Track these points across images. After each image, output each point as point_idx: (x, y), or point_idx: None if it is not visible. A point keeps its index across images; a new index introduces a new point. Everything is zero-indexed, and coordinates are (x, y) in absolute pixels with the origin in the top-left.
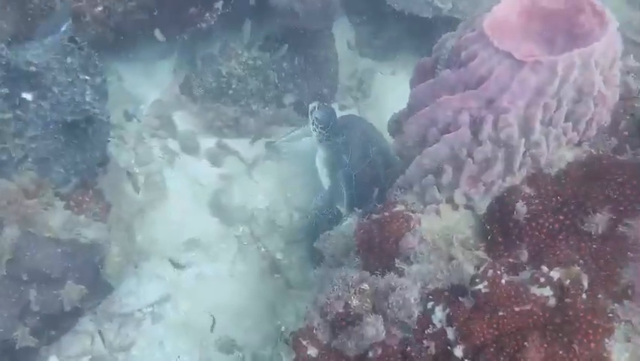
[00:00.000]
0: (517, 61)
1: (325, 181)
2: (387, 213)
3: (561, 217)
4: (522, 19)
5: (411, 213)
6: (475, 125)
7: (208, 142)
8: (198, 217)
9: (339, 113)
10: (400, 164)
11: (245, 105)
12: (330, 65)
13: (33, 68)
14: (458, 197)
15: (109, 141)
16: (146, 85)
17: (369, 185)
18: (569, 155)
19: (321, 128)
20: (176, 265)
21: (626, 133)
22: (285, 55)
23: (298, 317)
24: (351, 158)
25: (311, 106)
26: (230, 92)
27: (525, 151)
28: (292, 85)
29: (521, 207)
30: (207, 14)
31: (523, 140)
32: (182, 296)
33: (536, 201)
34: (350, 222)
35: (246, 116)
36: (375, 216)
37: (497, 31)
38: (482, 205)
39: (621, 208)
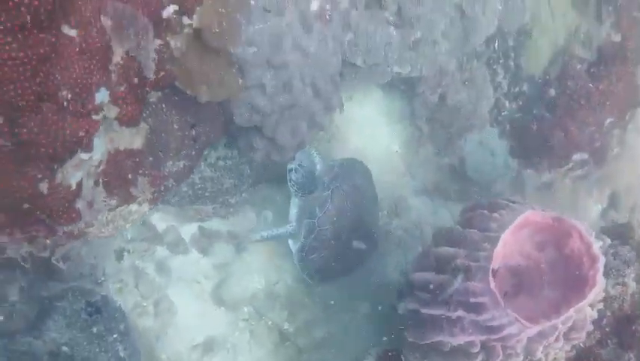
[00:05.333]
0: (526, 325)
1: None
2: None
3: None
4: (515, 232)
5: None
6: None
7: (191, 228)
8: (207, 314)
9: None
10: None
11: (223, 201)
12: None
13: (65, 349)
14: None
15: None
16: None
17: (329, 243)
18: (561, 355)
19: (297, 188)
20: None
21: (607, 329)
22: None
23: None
24: (323, 214)
25: (289, 166)
26: (207, 194)
27: None
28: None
29: None
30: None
31: None
32: None
33: None
34: None
35: (225, 207)
36: None
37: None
38: None
39: None
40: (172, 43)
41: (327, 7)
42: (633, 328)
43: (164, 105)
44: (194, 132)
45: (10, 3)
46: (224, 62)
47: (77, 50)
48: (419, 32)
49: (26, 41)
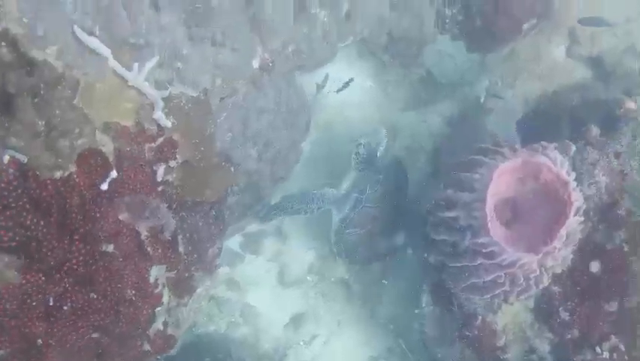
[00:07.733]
0: (531, 256)
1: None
2: (477, 332)
3: (587, 303)
4: (496, 181)
5: (488, 319)
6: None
7: (237, 239)
8: (282, 298)
9: None
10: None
11: (251, 213)
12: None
13: None
14: (511, 300)
15: None
16: None
17: (368, 222)
18: (568, 254)
19: (359, 161)
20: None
21: (595, 219)
22: None
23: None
24: (373, 192)
25: (358, 141)
26: (236, 214)
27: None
28: None
29: (564, 313)
30: None
31: (545, 277)
32: None
33: (566, 297)
34: None
35: (255, 214)
36: (470, 334)
37: None
38: (529, 303)
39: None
40: (170, 178)
41: (266, 55)
42: (615, 212)
43: (184, 213)
44: (214, 212)
45: (66, 268)
46: (213, 167)
47: (121, 258)
48: (346, 5)
49: (89, 278)
